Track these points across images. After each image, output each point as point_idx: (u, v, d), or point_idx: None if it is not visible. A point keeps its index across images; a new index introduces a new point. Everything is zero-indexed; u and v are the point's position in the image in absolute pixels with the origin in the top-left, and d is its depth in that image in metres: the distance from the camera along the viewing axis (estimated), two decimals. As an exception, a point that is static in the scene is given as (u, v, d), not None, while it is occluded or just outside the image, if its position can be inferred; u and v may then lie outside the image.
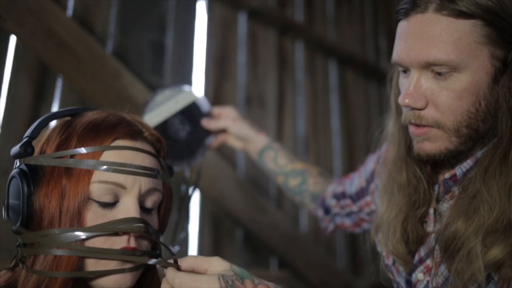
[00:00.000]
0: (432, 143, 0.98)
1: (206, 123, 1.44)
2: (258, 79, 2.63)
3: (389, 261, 1.12)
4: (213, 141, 1.48)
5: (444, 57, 0.91)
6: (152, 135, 0.85)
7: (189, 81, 2.31)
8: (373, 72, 3.27)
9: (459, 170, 1.00)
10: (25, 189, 0.75)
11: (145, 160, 0.81)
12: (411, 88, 0.96)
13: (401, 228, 1.04)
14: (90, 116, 0.82)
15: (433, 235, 1.02)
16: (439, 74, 0.93)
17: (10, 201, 0.78)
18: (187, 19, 2.35)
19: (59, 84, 1.87)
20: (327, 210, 1.45)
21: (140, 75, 2.07)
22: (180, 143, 1.41)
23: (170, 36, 2.26)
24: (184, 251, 2.19)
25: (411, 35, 0.94)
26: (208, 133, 1.45)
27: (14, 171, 0.78)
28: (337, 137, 3.01)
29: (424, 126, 0.97)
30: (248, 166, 2.45)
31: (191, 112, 1.43)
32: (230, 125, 1.46)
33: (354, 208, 1.37)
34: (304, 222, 2.69)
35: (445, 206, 1.03)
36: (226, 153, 2.33)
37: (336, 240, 2.84)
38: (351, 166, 3.08)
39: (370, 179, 1.30)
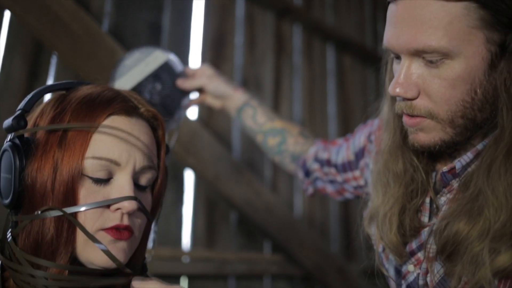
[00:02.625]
0: (426, 134, 0.92)
1: (181, 83, 1.38)
2: (255, 62, 2.61)
3: (379, 247, 1.08)
4: (189, 101, 1.43)
5: (434, 43, 0.85)
6: (149, 111, 0.83)
7: (185, 62, 2.29)
8: (370, 58, 3.25)
9: (458, 163, 0.95)
10: (17, 162, 0.74)
11: (140, 137, 0.80)
12: (401, 77, 0.90)
13: (397, 221, 0.98)
14: (85, 90, 0.81)
15: (427, 228, 0.98)
16: (431, 62, 0.87)
17: (2, 175, 0.76)
18: (184, 0, 2.33)
19: (53, 62, 1.85)
20: (307, 173, 1.41)
21: (136, 55, 2.04)
22: (156, 107, 1.34)
23: (167, 16, 2.24)
24: (178, 234, 2.18)
25: (400, 20, 0.88)
26: (183, 93, 1.39)
27: (6, 145, 0.76)
28: (333, 121, 3.00)
29: (417, 116, 0.91)
30: (243, 149, 2.44)
31: (164, 73, 1.37)
32: (206, 83, 1.40)
33: (339, 178, 1.33)
34: (299, 206, 2.69)
35: (442, 199, 0.98)
36: (221, 135, 2.32)
37: (330, 225, 2.85)
38: (346, 151, 3.08)
39: (359, 155, 1.25)
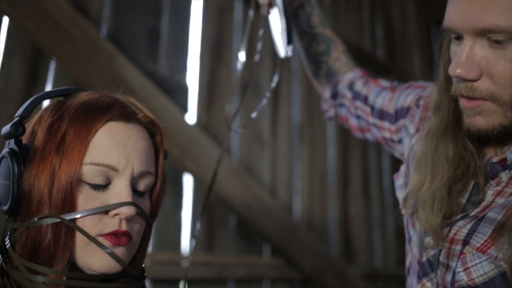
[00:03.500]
0: (484, 118, 0.87)
1: None
2: (253, 66, 2.62)
3: (409, 211, 1.06)
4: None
5: (503, 23, 0.80)
6: (146, 117, 0.83)
7: (184, 67, 2.29)
8: (369, 61, 3.26)
9: (510, 154, 0.90)
10: (16, 169, 0.74)
11: (139, 143, 0.80)
12: (463, 57, 0.85)
13: (446, 204, 0.96)
14: (83, 96, 0.81)
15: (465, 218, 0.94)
16: (497, 42, 0.82)
17: (0, 181, 0.77)
18: (182, 4, 2.33)
19: (52, 67, 1.85)
20: (335, 95, 1.36)
21: (135, 60, 2.05)
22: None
23: (165, 20, 2.24)
24: (177, 238, 2.18)
25: None
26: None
27: (4, 151, 0.76)
28: (332, 125, 3.00)
29: (476, 99, 0.87)
30: (242, 153, 2.44)
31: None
32: None
33: (371, 119, 1.27)
34: (298, 210, 2.69)
35: (489, 193, 0.93)
36: (220, 139, 2.32)
37: (329, 228, 2.85)
38: (346, 154, 3.08)
39: (400, 114, 1.19)
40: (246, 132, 2.47)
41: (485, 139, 0.94)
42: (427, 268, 0.99)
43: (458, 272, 0.91)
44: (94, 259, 0.76)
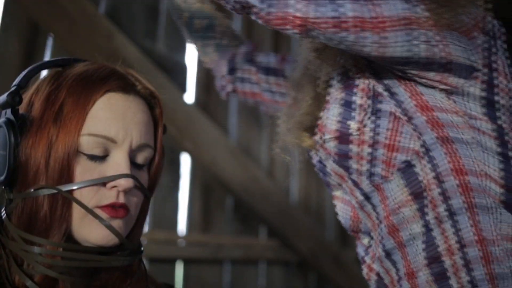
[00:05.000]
0: None
1: None
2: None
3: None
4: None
5: None
6: (146, 89, 0.82)
7: (183, 46, 2.27)
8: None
9: None
10: (12, 139, 0.73)
11: (138, 115, 0.79)
12: None
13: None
14: (82, 67, 0.80)
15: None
16: None
17: (-3, 151, 0.76)
18: (182, -18, 2.31)
19: (49, 44, 1.83)
20: (232, 69, 1.34)
21: (133, 38, 2.03)
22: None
23: (164, -1, 2.22)
24: (173, 219, 2.18)
25: None
26: None
27: (0, 121, 0.75)
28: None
29: None
30: (240, 134, 2.43)
31: None
32: None
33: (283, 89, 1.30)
34: (295, 192, 2.69)
35: None
36: (218, 119, 2.31)
37: (326, 212, 2.85)
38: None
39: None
40: (244, 113, 2.46)
41: None
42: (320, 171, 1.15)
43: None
44: (91, 231, 0.75)
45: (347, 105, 1.02)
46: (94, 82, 0.77)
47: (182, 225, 2.21)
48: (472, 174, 0.93)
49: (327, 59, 1.05)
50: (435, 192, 0.94)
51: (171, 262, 2.16)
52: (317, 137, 1.09)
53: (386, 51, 0.89)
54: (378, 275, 1.06)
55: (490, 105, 0.96)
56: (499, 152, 0.95)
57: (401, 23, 0.87)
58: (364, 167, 1.02)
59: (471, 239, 0.91)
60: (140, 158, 0.80)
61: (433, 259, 0.94)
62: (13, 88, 0.76)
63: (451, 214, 0.92)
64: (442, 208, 0.93)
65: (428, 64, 0.92)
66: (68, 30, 1.79)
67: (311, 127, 1.14)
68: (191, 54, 2.29)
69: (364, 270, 1.10)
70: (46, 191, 0.72)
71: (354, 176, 1.05)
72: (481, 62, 0.95)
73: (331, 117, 1.04)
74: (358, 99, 1.01)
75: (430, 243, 0.94)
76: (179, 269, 2.19)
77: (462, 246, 0.91)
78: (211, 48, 1.35)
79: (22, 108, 0.78)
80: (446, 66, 0.93)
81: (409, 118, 0.96)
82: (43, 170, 0.73)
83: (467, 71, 0.95)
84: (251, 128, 2.50)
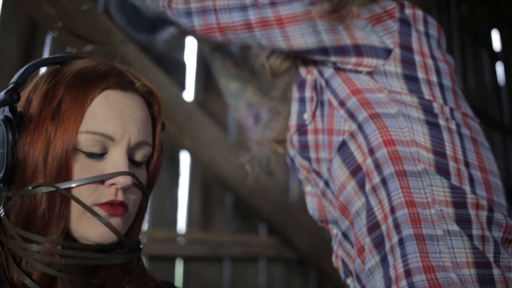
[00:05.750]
0: None
1: None
2: (251, 51, 2.59)
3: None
4: (176, 31, 1.50)
5: None
6: (144, 86, 0.82)
7: (182, 44, 2.27)
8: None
9: None
10: (10, 136, 0.72)
11: (136, 112, 0.79)
12: None
13: None
14: (80, 64, 0.79)
15: None
16: None
17: (-5, 149, 0.75)
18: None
19: (48, 42, 1.83)
20: (256, 120, 1.48)
21: (132, 36, 2.02)
22: (148, 19, 1.37)
23: (163, -4, 2.21)
24: (173, 217, 2.18)
25: None
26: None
27: (-2, 118, 0.75)
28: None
29: None
30: (239, 131, 2.43)
31: None
32: None
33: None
34: (295, 190, 2.69)
35: None
36: (217, 117, 2.31)
37: (326, 209, 2.85)
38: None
39: None
40: (243, 110, 2.45)
41: None
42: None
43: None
44: (89, 229, 0.75)
45: (302, 100, 1.18)
46: (92, 79, 0.77)
47: (181, 223, 2.21)
48: (400, 144, 1.00)
49: (284, 76, 1.25)
50: (369, 164, 1.02)
51: (171, 260, 2.16)
52: (287, 135, 1.22)
53: (294, 42, 1.07)
54: (343, 260, 1.12)
55: (411, 80, 1.06)
56: (426, 121, 1.02)
57: (299, 18, 1.05)
58: (321, 154, 1.12)
59: (400, 202, 0.96)
60: (139, 156, 0.80)
61: (373, 227, 1.00)
62: (11, 86, 0.75)
63: (384, 181, 0.99)
64: (376, 178, 1.00)
65: (342, 50, 1.06)
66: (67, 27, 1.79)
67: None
68: (190, 52, 2.29)
69: (333, 258, 1.17)
70: (44, 189, 0.72)
71: (315, 165, 1.15)
72: (397, 44, 1.06)
73: (292, 114, 1.20)
74: (308, 93, 1.17)
75: (369, 213, 1.00)
76: (179, 267, 2.19)
77: (392, 210, 0.97)
78: (242, 105, 1.50)
79: (20, 106, 0.78)
80: (358, 49, 1.06)
81: (343, 103, 1.08)
82: (41, 167, 0.73)
83: (383, 52, 1.06)
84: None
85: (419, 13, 1.13)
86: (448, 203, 0.96)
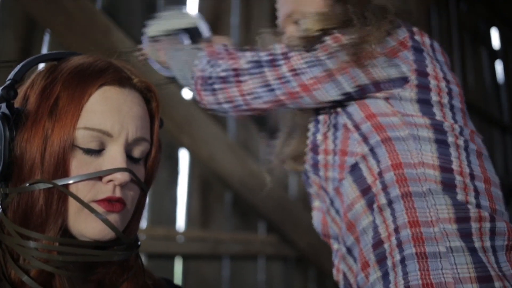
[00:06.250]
0: None
1: (202, 44, 1.57)
2: (251, 42, 2.59)
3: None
4: None
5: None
6: (142, 82, 0.82)
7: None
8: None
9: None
10: (7, 133, 0.72)
11: (133, 108, 0.78)
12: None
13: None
14: (77, 60, 0.79)
15: None
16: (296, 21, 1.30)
17: (-8, 146, 0.75)
18: (179, -23, 2.30)
19: (46, 39, 1.83)
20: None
21: (130, 33, 2.02)
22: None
23: (162, -6, 2.21)
24: (172, 215, 2.18)
25: None
26: None
27: (-5, 115, 0.74)
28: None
29: None
30: (239, 129, 2.43)
31: (193, 33, 1.60)
32: None
33: None
34: (294, 187, 2.68)
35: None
36: (216, 115, 2.31)
37: (325, 207, 2.84)
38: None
39: None
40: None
41: None
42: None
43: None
44: (87, 225, 0.74)
45: (316, 121, 1.27)
46: (89, 75, 0.76)
47: (180, 221, 2.21)
48: (408, 166, 1.07)
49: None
50: (378, 185, 1.09)
51: (170, 258, 2.16)
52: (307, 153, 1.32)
53: (322, 100, 1.17)
54: (344, 274, 1.17)
55: (424, 103, 1.13)
56: (436, 139, 1.09)
57: (322, 80, 1.14)
58: (330, 173, 1.20)
59: (404, 222, 1.03)
60: (137, 152, 0.79)
61: (377, 244, 1.06)
62: (8, 82, 0.75)
63: (390, 202, 1.06)
64: (382, 198, 1.07)
65: (362, 89, 1.15)
66: (65, 25, 1.79)
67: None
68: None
69: (334, 272, 1.24)
70: (42, 186, 0.72)
71: (323, 183, 1.22)
72: (413, 71, 1.13)
73: (309, 133, 1.30)
74: (322, 116, 1.25)
75: (375, 230, 1.07)
76: (178, 265, 2.19)
77: (396, 229, 1.04)
78: (267, 134, 1.65)
79: (17, 102, 0.77)
80: (377, 85, 1.14)
81: (358, 127, 1.16)
82: (39, 164, 0.73)
83: (400, 82, 1.13)
84: (250, 124, 2.50)
85: (426, 40, 1.20)
86: (451, 219, 1.02)
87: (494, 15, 4.54)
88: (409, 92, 1.13)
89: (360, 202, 1.11)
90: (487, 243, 1.01)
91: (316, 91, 1.15)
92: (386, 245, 1.05)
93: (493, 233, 1.02)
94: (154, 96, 0.84)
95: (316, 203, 1.30)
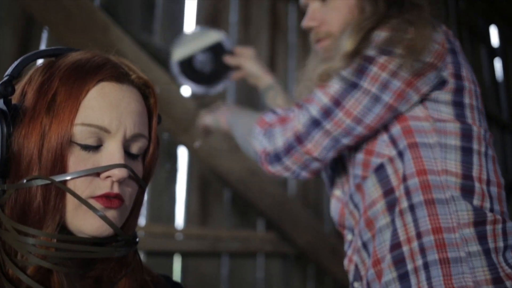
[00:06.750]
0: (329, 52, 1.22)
1: (227, 59, 1.67)
2: (249, 40, 2.59)
3: None
4: (232, 74, 1.71)
5: None
6: (140, 78, 0.81)
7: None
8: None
9: None
10: (4, 129, 0.72)
11: (131, 104, 0.78)
12: (307, 15, 1.29)
13: None
14: (75, 56, 0.79)
15: None
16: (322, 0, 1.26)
17: (-11, 142, 0.75)
18: (178, -25, 2.30)
19: (44, 37, 1.83)
20: None
21: (129, 31, 2.02)
22: (205, 74, 1.68)
23: (160, -9, 2.21)
24: (171, 212, 2.18)
25: None
26: (228, 68, 1.69)
27: (-8, 111, 0.74)
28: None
29: (321, 40, 1.27)
30: (237, 127, 2.42)
31: (216, 50, 1.68)
32: (243, 63, 1.66)
33: None
34: (293, 185, 2.68)
35: None
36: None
37: (323, 204, 2.85)
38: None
39: None
40: (241, 105, 2.45)
41: None
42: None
43: None
44: (85, 222, 0.74)
45: None
46: (87, 71, 0.76)
47: (179, 219, 2.21)
48: (432, 173, 1.10)
49: None
50: (401, 189, 1.11)
51: (169, 255, 2.16)
52: None
53: (376, 128, 1.16)
54: (356, 265, 1.20)
55: (458, 106, 1.14)
56: (461, 147, 1.12)
57: (383, 115, 1.13)
58: (350, 169, 1.22)
59: (427, 228, 1.07)
60: (135, 148, 0.79)
61: (395, 246, 1.09)
62: (5, 78, 0.75)
63: (412, 207, 1.09)
64: (404, 203, 1.10)
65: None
66: (64, 23, 1.78)
67: None
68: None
69: (346, 262, 1.26)
70: (39, 182, 0.72)
71: (350, 178, 1.25)
72: (451, 75, 1.14)
73: None
74: None
75: (394, 233, 1.10)
76: (177, 263, 2.19)
77: (419, 235, 1.07)
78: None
79: (15, 99, 0.77)
80: (421, 96, 1.15)
81: (387, 128, 1.17)
82: (36, 160, 0.72)
83: (440, 85, 1.14)
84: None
85: (457, 42, 1.20)
86: (470, 224, 1.07)
87: (493, 13, 4.54)
88: (446, 95, 1.13)
89: (381, 203, 1.14)
90: (500, 244, 1.06)
91: (378, 125, 1.15)
92: (405, 248, 1.08)
93: (504, 233, 1.08)
94: (152, 92, 0.84)
95: (337, 192, 1.31)
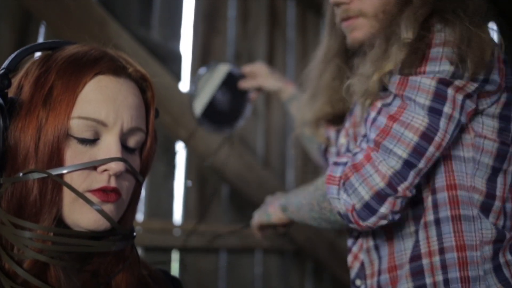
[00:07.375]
0: (359, 31, 1.15)
1: (242, 84, 1.63)
2: (248, 35, 2.58)
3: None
4: (251, 97, 1.68)
5: None
6: (137, 71, 0.81)
7: (177, 35, 2.26)
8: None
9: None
10: (1, 122, 0.71)
11: (129, 98, 0.78)
12: None
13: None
14: (72, 49, 0.78)
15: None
16: None
17: (-15, 135, 0.74)
18: (176, -30, 2.29)
19: (42, 32, 1.82)
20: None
21: (127, 26, 2.01)
22: (228, 112, 1.65)
23: (158, -14, 2.20)
24: (169, 208, 2.18)
25: None
26: (245, 93, 1.66)
27: (-11, 104, 0.74)
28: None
29: (350, 18, 1.16)
30: (235, 123, 2.42)
31: (228, 82, 1.64)
32: (262, 82, 1.63)
33: None
34: (291, 181, 2.68)
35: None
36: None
37: (322, 200, 2.84)
38: (339, 127, 3.06)
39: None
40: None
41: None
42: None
43: None
44: (82, 215, 0.74)
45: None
46: (84, 64, 0.76)
47: (177, 214, 2.21)
48: (462, 188, 1.07)
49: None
50: (429, 201, 1.08)
51: (167, 251, 2.16)
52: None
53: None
54: (362, 264, 1.18)
55: (504, 119, 1.10)
56: (493, 167, 1.09)
57: (449, 130, 1.02)
58: None
59: (451, 245, 1.06)
60: (132, 142, 0.79)
61: (415, 258, 1.08)
62: (1, 71, 0.74)
63: (437, 221, 1.07)
64: (431, 216, 1.08)
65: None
66: (61, 18, 1.78)
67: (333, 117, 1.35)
68: (185, 43, 2.28)
69: (350, 258, 1.24)
70: (36, 175, 0.71)
71: None
72: (503, 87, 1.09)
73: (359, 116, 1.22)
74: None
75: (415, 244, 1.09)
76: (175, 258, 2.19)
77: (441, 250, 1.06)
78: (316, 150, 1.54)
79: (11, 92, 0.77)
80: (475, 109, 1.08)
81: None
82: (33, 153, 0.72)
83: (492, 99, 1.08)
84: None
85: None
86: (491, 242, 1.06)
87: (492, 10, 4.54)
88: (495, 108, 1.09)
89: (408, 211, 1.10)
90: (509, 257, 1.07)
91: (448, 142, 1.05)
92: (425, 261, 1.07)
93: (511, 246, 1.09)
94: (149, 85, 0.83)
95: None
